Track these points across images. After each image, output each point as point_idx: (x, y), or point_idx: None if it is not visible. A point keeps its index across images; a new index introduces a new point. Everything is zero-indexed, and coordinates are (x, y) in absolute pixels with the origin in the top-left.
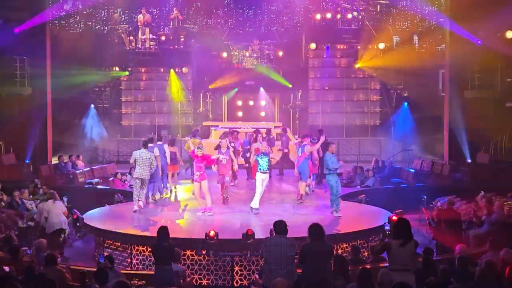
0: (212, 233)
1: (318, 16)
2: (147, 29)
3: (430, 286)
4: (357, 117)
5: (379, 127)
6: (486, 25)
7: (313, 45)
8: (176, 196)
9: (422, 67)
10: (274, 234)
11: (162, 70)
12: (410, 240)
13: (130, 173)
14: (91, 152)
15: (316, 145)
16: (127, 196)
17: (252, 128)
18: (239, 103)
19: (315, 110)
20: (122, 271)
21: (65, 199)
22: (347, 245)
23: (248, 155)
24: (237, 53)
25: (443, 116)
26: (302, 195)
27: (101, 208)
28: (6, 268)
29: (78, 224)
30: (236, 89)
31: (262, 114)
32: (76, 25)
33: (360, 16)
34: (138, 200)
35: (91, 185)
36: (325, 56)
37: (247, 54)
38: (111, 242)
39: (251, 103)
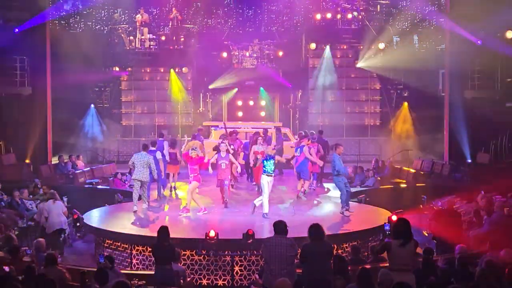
0: (212, 233)
1: (318, 16)
2: (146, 29)
3: (430, 286)
4: (357, 117)
5: (379, 127)
6: (486, 25)
7: (313, 45)
8: (176, 195)
9: (422, 67)
10: (274, 234)
11: (162, 70)
12: (410, 240)
13: (130, 173)
14: (91, 152)
15: (312, 157)
16: (127, 196)
17: (252, 128)
18: (239, 103)
19: (315, 110)
20: (122, 271)
21: (65, 199)
22: (347, 245)
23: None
24: (237, 53)
25: (443, 116)
26: (304, 190)
27: (101, 208)
28: (6, 268)
29: (78, 224)
30: (236, 89)
31: (262, 114)
32: (76, 25)
33: (360, 16)
34: (144, 202)
35: (91, 185)
36: (325, 56)
37: (247, 54)
38: (111, 242)
39: (251, 103)
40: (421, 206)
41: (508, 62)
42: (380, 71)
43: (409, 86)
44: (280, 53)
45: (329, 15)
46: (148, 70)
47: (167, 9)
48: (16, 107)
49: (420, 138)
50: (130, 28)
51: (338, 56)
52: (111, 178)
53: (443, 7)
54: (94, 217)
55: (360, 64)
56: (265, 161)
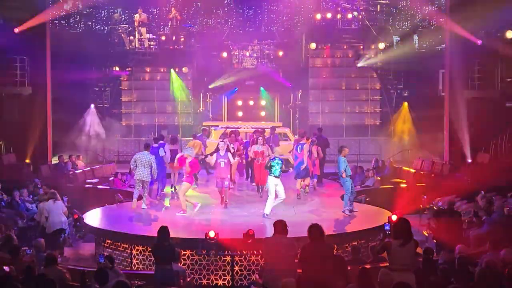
0: (212, 234)
1: (318, 16)
2: (144, 29)
3: (430, 286)
4: (357, 117)
5: (379, 127)
6: (486, 25)
7: (313, 45)
8: (177, 195)
9: (422, 67)
10: (274, 234)
11: (162, 70)
12: (410, 240)
13: (130, 173)
14: (91, 152)
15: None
16: (127, 196)
17: (252, 128)
18: (239, 103)
19: (315, 110)
20: (122, 271)
21: (65, 199)
22: (347, 245)
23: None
24: (237, 53)
25: (443, 116)
26: (305, 186)
27: (101, 208)
28: (6, 268)
29: (78, 224)
30: (236, 89)
31: (262, 114)
32: (76, 25)
33: (360, 16)
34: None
35: (91, 185)
36: (325, 56)
37: (247, 54)
38: (111, 242)
39: (251, 103)
40: (421, 206)
41: (508, 62)
42: (380, 71)
43: (409, 86)
44: (280, 53)
45: (329, 15)
46: (148, 70)
47: (166, 9)
48: (16, 107)
49: (420, 138)
50: (130, 28)
51: (338, 56)
52: (111, 178)
53: (443, 7)
54: (94, 217)
55: (360, 64)
56: (274, 163)
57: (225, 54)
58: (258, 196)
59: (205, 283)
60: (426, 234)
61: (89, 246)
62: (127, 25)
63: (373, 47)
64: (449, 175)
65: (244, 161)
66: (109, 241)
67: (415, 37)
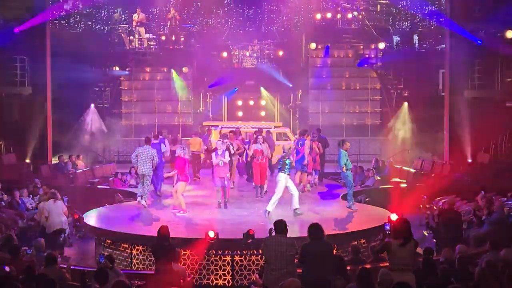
0: (211, 234)
1: (318, 16)
2: (143, 29)
3: (430, 286)
4: (357, 117)
5: (379, 127)
6: (486, 25)
7: (313, 45)
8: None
9: (422, 67)
10: (274, 233)
11: (162, 70)
12: (410, 240)
13: (130, 173)
14: (91, 152)
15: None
16: (127, 196)
17: (252, 128)
18: (239, 103)
19: (315, 110)
20: (122, 271)
21: (65, 199)
22: (347, 245)
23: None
24: (237, 53)
25: (443, 116)
26: (308, 182)
27: (101, 208)
28: (6, 268)
29: (78, 224)
30: (236, 89)
31: (262, 114)
32: (76, 25)
33: (360, 16)
34: (141, 197)
35: (91, 185)
36: (324, 56)
37: (247, 54)
38: (111, 242)
39: (251, 103)
40: (421, 206)
41: (508, 62)
42: (380, 71)
43: (409, 86)
44: (280, 53)
45: (329, 15)
46: (148, 70)
47: (166, 9)
48: (16, 107)
49: (420, 138)
50: (130, 28)
51: (338, 56)
52: (111, 178)
53: (443, 7)
54: (94, 217)
55: (360, 64)
56: (286, 161)
57: (225, 54)
58: (258, 196)
59: (205, 283)
60: (426, 234)
61: (89, 246)
62: (127, 25)
63: (373, 47)
64: (449, 175)
65: (244, 160)
66: (109, 241)
67: (415, 37)
